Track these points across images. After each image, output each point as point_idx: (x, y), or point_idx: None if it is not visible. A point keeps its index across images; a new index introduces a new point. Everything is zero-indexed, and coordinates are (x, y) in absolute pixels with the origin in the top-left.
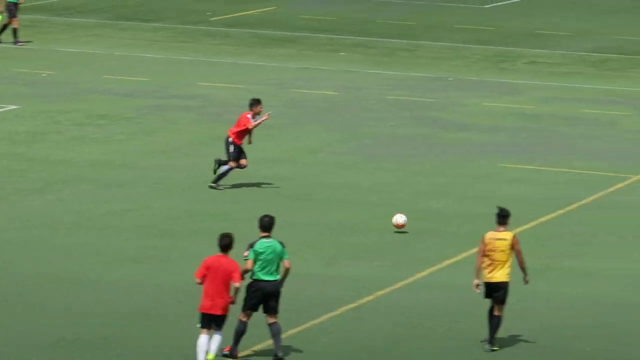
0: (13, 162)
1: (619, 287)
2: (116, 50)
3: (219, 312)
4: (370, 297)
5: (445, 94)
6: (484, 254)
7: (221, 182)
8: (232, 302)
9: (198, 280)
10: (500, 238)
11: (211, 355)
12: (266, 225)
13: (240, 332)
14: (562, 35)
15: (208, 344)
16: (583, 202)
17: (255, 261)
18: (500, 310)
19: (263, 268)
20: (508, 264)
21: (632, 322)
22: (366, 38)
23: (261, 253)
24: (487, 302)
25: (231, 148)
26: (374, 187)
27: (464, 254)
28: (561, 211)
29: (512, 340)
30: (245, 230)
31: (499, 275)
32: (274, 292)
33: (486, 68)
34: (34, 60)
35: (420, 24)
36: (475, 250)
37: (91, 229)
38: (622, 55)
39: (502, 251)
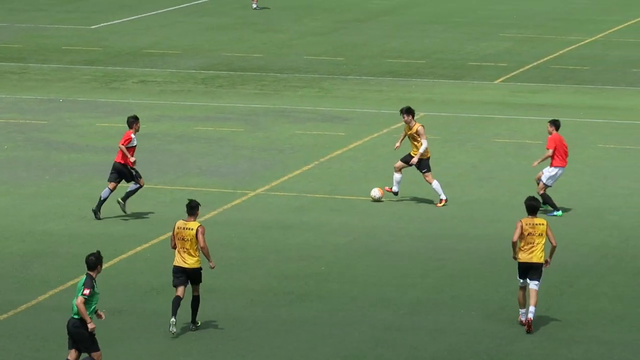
0: None
1: (242, 302)
2: None
3: None
4: None
5: (57, 115)
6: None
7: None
8: None
9: None
10: (188, 227)
11: None
12: (87, 263)
13: None
14: (171, 53)
15: None
16: (201, 219)
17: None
18: (197, 290)
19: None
20: (196, 251)
21: (259, 336)
22: None
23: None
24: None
25: (129, 169)
26: None
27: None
28: None
29: None
30: None
31: (190, 261)
32: (69, 330)
33: (96, 88)
34: None
35: (27, 47)
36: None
37: None
38: (231, 72)
39: (190, 240)
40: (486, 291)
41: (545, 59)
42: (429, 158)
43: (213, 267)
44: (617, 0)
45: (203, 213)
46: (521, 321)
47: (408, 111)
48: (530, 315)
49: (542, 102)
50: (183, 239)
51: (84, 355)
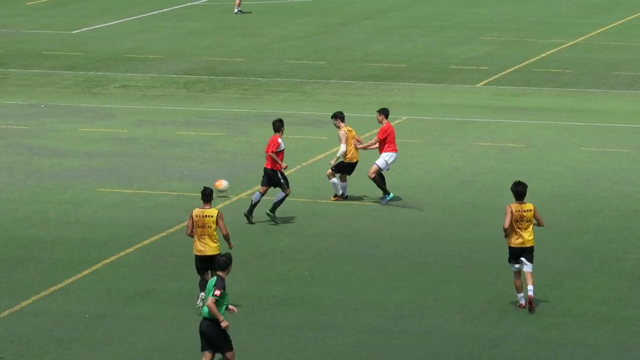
0: None
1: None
2: None
3: None
4: None
5: (38, 120)
6: (192, 229)
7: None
8: None
9: None
10: (208, 215)
11: None
12: (218, 264)
13: None
14: (152, 58)
15: None
16: (183, 224)
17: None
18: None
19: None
20: (216, 237)
21: (242, 340)
22: None
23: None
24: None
25: (279, 176)
26: None
27: (69, 280)
28: (163, 234)
29: None
30: None
31: (211, 248)
32: (203, 331)
33: (78, 93)
34: None
35: (8, 52)
36: (79, 275)
37: None
38: (213, 76)
39: (210, 227)
40: (469, 294)
41: (527, 62)
42: (351, 163)
43: (231, 248)
44: (599, 3)
45: (184, 218)
46: (521, 305)
47: (334, 116)
48: (530, 293)
49: (524, 105)
50: (203, 226)
51: (218, 355)
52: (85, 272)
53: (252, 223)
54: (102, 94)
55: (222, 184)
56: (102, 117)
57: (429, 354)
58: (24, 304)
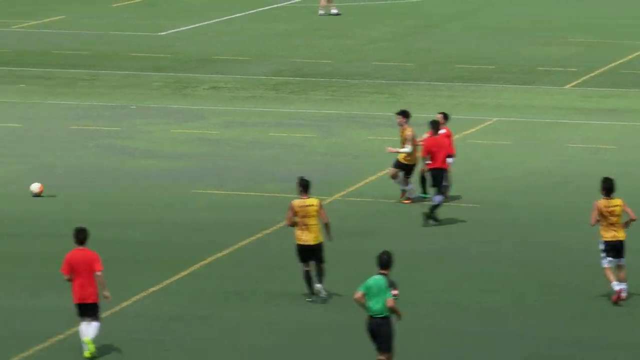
0: None
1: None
2: None
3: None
4: (76, 328)
5: (129, 121)
6: (292, 220)
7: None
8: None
9: (66, 277)
10: (310, 204)
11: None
12: (381, 262)
13: None
14: (241, 59)
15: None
16: (277, 225)
17: (366, 295)
18: (321, 266)
19: (369, 302)
20: (318, 226)
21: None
22: (44, 69)
23: (369, 288)
24: None
25: (443, 178)
26: (68, 218)
27: (167, 281)
28: (258, 235)
29: None
30: None
31: (314, 237)
32: (373, 329)
33: (168, 95)
34: None
35: (96, 54)
36: (177, 277)
37: None
38: (302, 78)
39: (313, 216)
40: (567, 297)
41: (614, 63)
42: (414, 165)
43: (331, 239)
44: None
45: (278, 219)
46: (618, 293)
47: (406, 114)
48: (624, 292)
49: (613, 106)
50: (306, 216)
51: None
52: (184, 274)
53: (438, 221)
54: (192, 96)
55: (35, 187)
56: (191, 119)
57: (527, 355)
58: (123, 304)
